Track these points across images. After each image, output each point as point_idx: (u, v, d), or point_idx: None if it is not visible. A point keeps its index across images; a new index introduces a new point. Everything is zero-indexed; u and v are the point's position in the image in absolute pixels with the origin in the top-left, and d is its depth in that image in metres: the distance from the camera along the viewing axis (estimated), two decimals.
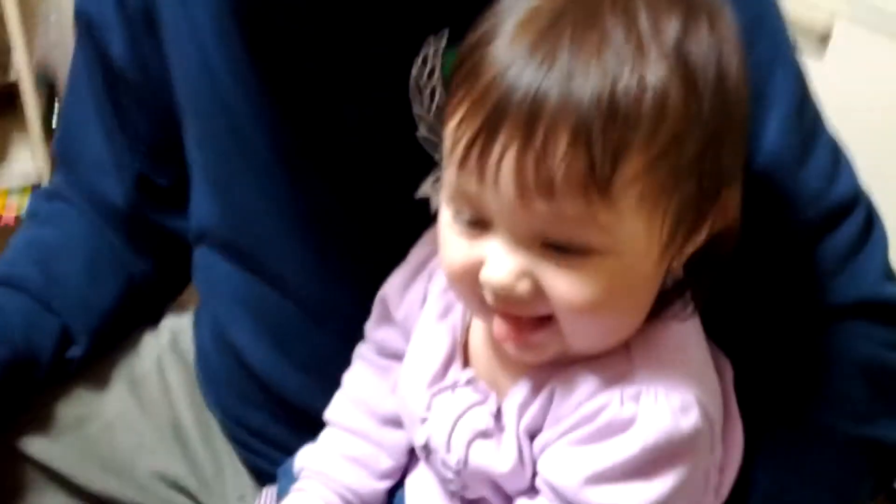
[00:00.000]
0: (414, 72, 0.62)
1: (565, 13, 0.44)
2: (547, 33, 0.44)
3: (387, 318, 0.64)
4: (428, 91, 0.62)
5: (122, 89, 0.78)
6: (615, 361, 0.50)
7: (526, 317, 0.48)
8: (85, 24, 0.77)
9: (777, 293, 0.60)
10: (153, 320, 0.88)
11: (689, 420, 0.48)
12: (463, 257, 0.48)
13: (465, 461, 0.53)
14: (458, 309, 0.57)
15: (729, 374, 0.56)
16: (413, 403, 0.57)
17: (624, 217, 0.44)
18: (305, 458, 0.65)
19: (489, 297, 0.48)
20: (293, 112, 0.68)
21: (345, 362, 0.68)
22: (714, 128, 0.45)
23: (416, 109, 0.62)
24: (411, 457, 0.63)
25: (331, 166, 0.68)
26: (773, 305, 0.60)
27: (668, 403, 0.48)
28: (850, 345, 0.59)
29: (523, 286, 0.46)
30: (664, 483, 0.48)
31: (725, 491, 0.55)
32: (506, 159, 0.43)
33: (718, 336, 0.56)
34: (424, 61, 0.62)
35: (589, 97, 0.42)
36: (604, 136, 0.42)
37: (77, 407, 0.79)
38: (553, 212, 0.44)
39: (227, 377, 0.78)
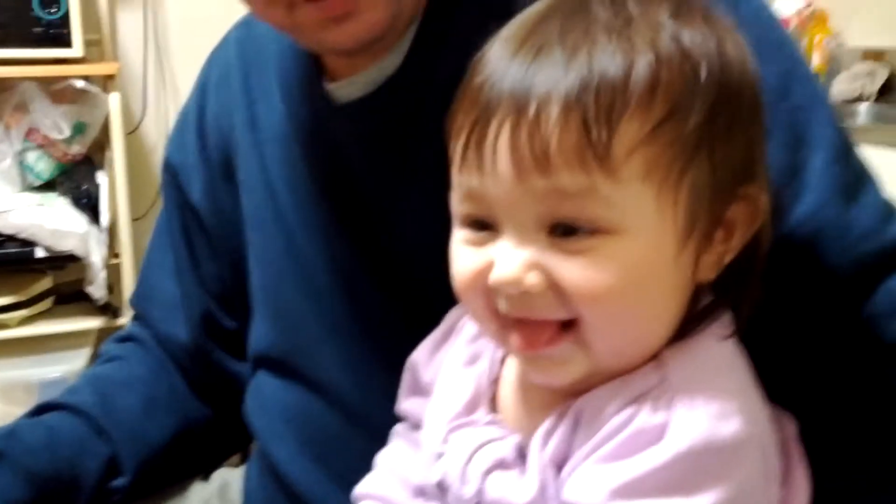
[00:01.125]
0: None
1: (553, 10, 0.47)
2: (535, 29, 0.46)
3: (415, 386, 0.61)
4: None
5: (197, 232, 0.84)
6: (646, 376, 0.46)
7: (545, 325, 0.45)
8: (171, 172, 0.85)
9: (837, 334, 0.55)
10: (204, 472, 0.86)
11: (730, 426, 0.43)
12: (472, 264, 0.47)
13: (482, 493, 0.48)
14: (486, 358, 0.55)
15: (791, 428, 0.50)
16: (431, 440, 0.53)
17: (629, 190, 0.43)
18: None
19: (502, 305, 0.46)
20: (344, 222, 0.71)
21: None
22: (717, 102, 0.44)
23: None
24: None
25: (377, 266, 0.70)
26: (833, 348, 0.55)
27: (705, 409, 0.43)
28: None
29: (533, 278, 0.44)
30: (706, 500, 0.41)
31: None
32: (501, 138, 0.44)
33: (773, 387, 0.50)
34: None
35: (579, 70, 0.43)
36: (596, 101, 0.42)
37: None
38: (553, 188, 0.43)
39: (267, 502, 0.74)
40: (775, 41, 0.59)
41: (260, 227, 0.77)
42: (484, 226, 0.47)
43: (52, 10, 2.01)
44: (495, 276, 0.45)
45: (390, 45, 0.65)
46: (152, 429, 0.80)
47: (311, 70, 0.71)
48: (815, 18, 2.48)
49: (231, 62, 0.81)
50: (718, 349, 0.48)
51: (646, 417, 0.43)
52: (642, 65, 0.43)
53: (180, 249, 0.85)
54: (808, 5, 2.49)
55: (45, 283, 2.06)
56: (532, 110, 0.43)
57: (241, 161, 0.79)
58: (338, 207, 0.71)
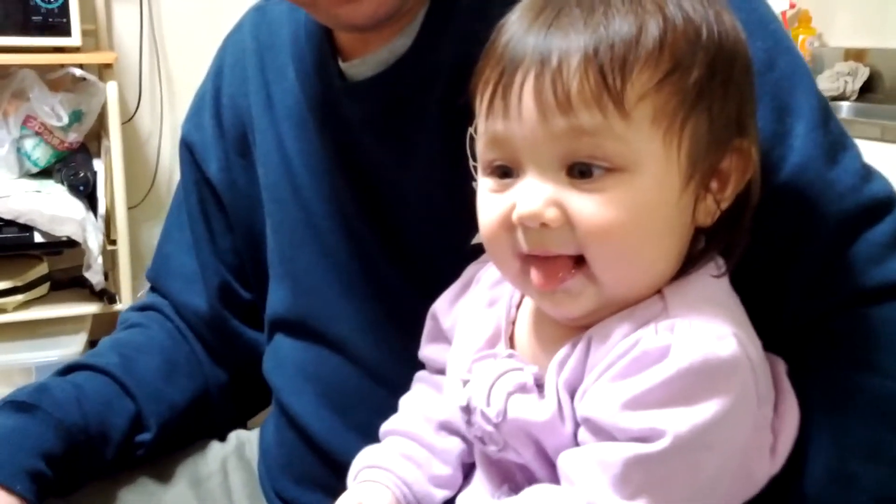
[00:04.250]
0: (471, 130, 0.69)
1: None
2: (550, 1, 0.51)
3: (436, 333, 0.65)
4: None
5: (214, 206, 0.87)
6: (650, 306, 0.51)
7: (559, 259, 0.50)
8: (188, 149, 0.89)
9: (820, 280, 0.60)
10: (221, 434, 0.90)
11: (727, 346, 0.47)
12: (498, 208, 0.52)
13: (504, 413, 0.53)
14: (504, 301, 0.59)
15: (781, 366, 0.55)
16: (456, 370, 0.58)
17: (640, 132, 0.48)
18: (363, 457, 0.64)
19: (523, 241, 0.50)
20: (356, 192, 0.75)
21: None
22: (714, 62, 0.50)
23: (473, 163, 0.69)
24: (465, 476, 0.61)
25: (388, 232, 0.74)
26: (817, 292, 0.60)
27: (704, 330, 0.48)
28: None
29: (552, 213, 0.49)
30: (707, 409, 0.46)
31: (781, 456, 0.52)
32: (526, 86, 0.49)
33: (764, 332, 0.55)
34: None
35: (596, 27, 0.48)
36: (612, 53, 0.48)
37: (140, 495, 0.80)
38: (573, 127, 0.48)
39: (288, 457, 0.78)
40: (761, 19, 0.64)
41: (277, 200, 0.81)
42: (506, 173, 0.52)
43: (52, 0, 2.03)
44: (519, 211, 0.50)
45: (401, 26, 0.69)
46: (172, 390, 0.84)
47: (325, 50, 0.75)
48: (799, 19, 2.55)
49: (246, 45, 0.85)
50: (713, 285, 0.53)
51: (651, 340, 0.48)
52: (652, 25, 0.49)
53: (197, 223, 0.88)
54: (792, 6, 2.56)
55: (42, 268, 2.08)
56: (555, 61, 0.48)
57: (258, 138, 0.82)
58: (350, 179, 0.75)
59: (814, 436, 0.54)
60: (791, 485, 0.53)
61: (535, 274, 0.51)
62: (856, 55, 2.43)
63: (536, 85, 0.48)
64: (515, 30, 0.51)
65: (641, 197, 0.49)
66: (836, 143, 0.62)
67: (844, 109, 2.32)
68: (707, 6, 0.51)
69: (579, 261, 0.50)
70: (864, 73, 2.36)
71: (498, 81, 0.50)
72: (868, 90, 2.37)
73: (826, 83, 2.38)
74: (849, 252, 0.59)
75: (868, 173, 0.63)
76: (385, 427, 0.66)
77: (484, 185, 0.54)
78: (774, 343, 0.56)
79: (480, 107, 0.53)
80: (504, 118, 0.50)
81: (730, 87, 0.51)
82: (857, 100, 2.36)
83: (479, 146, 0.54)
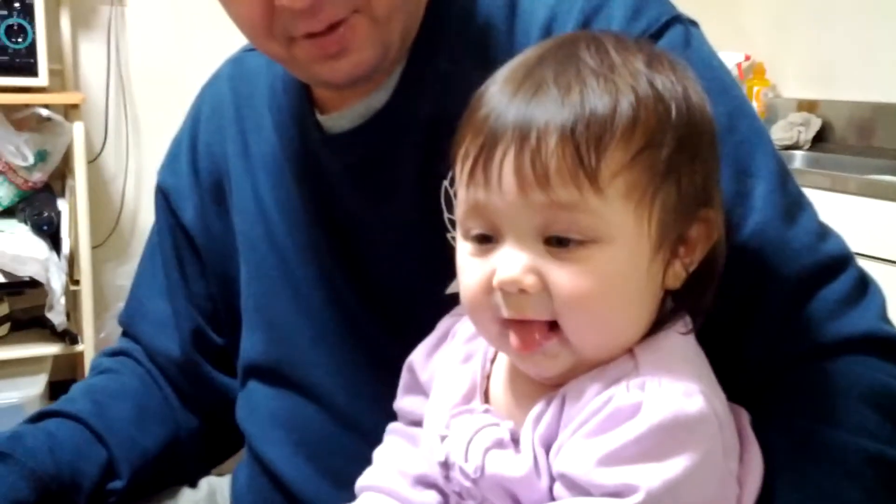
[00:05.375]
0: (446, 183, 0.71)
1: (546, 56, 0.54)
2: (532, 71, 0.54)
3: (413, 385, 0.67)
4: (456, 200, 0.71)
5: (188, 252, 0.89)
6: (621, 365, 0.53)
7: (535, 324, 0.52)
8: (163, 194, 0.90)
9: (779, 335, 0.62)
10: (192, 481, 0.90)
11: (694, 403, 0.50)
12: (479, 274, 0.54)
13: (482, 469, 0.54)
14: (479, 356, 0.61)
15: (745, 416, 0.57)
16: (434, 426, 0.59)
17: (613, 206, 0.51)
18: None
19: (503, 306, 0.53)
20: (332, 242, 0.77)
21: None
22: (683, 138, 0.53)
23: (448, 215, 0.71)
24: None
25: (364, 281, 0.76)
26: (776, 346, 0.62)
27: (672, 388, 0.50)
28: (855, 374, 0.60)
29: (530, 279, 0.51)
30: (677, 465, 0.48)
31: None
32: (506, 161, 0.51)
33: (728, 384, 0.57)
34: (452, 179, 0.72)
35: (572, 106, 0.51)
36: (587, 132, 0.50)
37: None
38: (551, 201, 0.50)
39: None
40: (723, 85, 0.68)
41: (253, 248, 0.82)
42: (485, 238, 0.54)
43: (19, 40, 2.04)
44: (500, 276, 0.52)
45: (378, 83, 0.72)
46: (145, 437, 0.84)
47: (303, 102, 0.77)
48: (754, 71, 2.64)
49: (223, 96, 0.87)
50: (681, 343, 0.55)
51: (623, 397, 0.50)
52: (625, 104, 0.51)
53: (171, 269, 0.89)
54: (747, 58, 2.65)
55: (2, 308, 2.05)
56: (533, 139, 0.51)
57: (234, 186, 0.84)
58: (327, 228, 0.77)
59: (778, 486, 0.57)
60: None
61: (513, 338, 0.53)
62: (808, 106, 2.51)
63: (516, 161, 0.51)
64: (496, 103, 0.53)
65: (614, 267, 0.51)
66: (793, 203, 0.66)
67: (798, 159, 2.40)
68: (676, 82, 0.54)
69: (553, 325, 0.52)
70: (816, 124, 2.44)
71: (479, 154, 0.53)
72: (820, 139, 2.46)
73: (780, 133, 2.46)
74: (806, 308, 0.62)
75: (824, 232, 0.66)
76: (361, 482, 0.66)
77: (463, 249, 0.56)
78: (737, 395, 0.59)
79: (461, 175, 0.55)
80: (485, 189, 0.52)
81: (697, 161, 0.54)
82: (809, 149, 2.44)
83: (459, 212, 0.56)
